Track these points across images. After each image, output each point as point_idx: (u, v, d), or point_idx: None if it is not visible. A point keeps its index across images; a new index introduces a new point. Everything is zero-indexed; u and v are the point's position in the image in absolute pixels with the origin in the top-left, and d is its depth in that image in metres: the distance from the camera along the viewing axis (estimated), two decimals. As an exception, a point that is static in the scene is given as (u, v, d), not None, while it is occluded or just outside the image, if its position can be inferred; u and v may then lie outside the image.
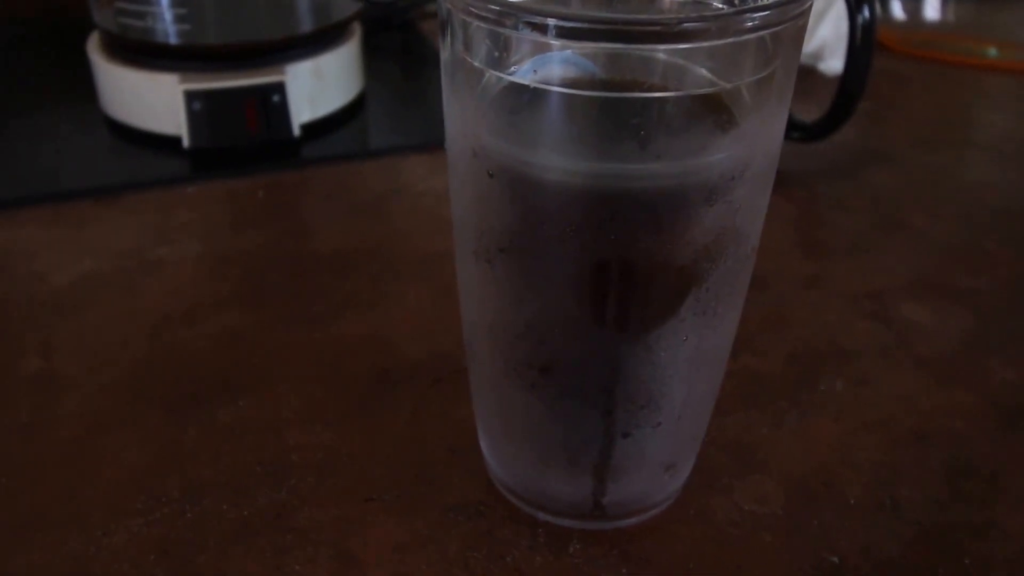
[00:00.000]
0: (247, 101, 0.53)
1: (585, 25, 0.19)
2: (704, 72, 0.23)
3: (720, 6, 0.24)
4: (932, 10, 0.82)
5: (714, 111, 0.21)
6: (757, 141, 0.22)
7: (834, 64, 0.68)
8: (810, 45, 0.68)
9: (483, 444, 0.31)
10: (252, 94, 0.53)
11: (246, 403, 0.35)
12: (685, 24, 0.19)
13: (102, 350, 0.38)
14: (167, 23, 0.52)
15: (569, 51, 0.24)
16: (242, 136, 0.54)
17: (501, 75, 0.22)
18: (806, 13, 0.21)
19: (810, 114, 0.52)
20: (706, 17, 0.19)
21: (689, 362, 0.25)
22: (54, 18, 0.78)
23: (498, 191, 0.22)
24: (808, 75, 0.68)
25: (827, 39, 0.68)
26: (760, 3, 0.21)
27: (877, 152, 0.57)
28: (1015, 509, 0.30)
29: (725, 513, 0.30)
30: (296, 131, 0.56)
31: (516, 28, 0.20)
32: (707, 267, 0.23)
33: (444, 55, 0.23)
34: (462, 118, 0.23)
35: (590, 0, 0.26)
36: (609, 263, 0.22)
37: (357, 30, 0.62)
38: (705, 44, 0.20)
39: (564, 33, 0.20)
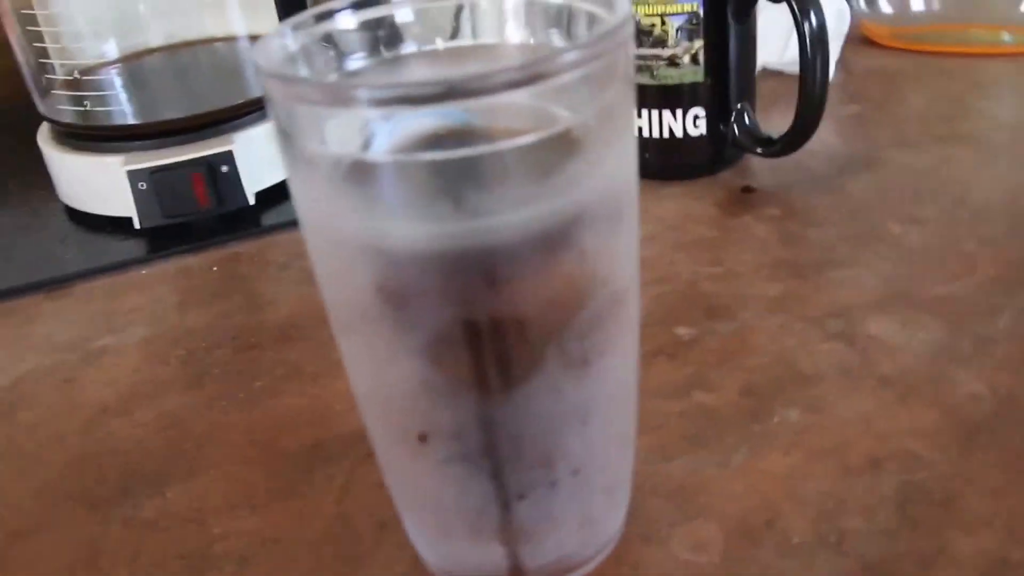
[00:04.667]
0: (193, 175, 0.55)
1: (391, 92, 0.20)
2: (562, 111, 0.24)
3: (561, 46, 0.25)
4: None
5: (540, 158, 0.22)
6: (592, 185, 0.22)
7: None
8: (788, 53, 0.69)
9: (402, 518, 0.32)
10: (197, 167, 0.55)
11: (173, 494, 0.36)
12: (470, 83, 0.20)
13: (35, 451, 0.40)
14: (106, 106, 0.55)
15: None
16: (193, 210, 0.56)
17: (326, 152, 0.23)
18: (618, 49, 0.22)
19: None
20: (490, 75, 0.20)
21: (573, 415, 0.25)
22: (9, 107, 0.81)
23: (346, 261, 0.23)
24: (791, 84, 0.68)
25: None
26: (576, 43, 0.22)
27: (859, 158, 0.57)
28: (968, 533, 0.30)
29: (658, 566, 0.30)
30: (251, 199, 0.58)
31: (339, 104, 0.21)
32: (562, 318, 0.23)
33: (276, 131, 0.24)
34: (304, 192, 0.24)
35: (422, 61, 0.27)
36: (455, 325, 0.23)
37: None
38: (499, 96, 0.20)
39: (376, 103, 0.21)
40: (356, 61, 0.26)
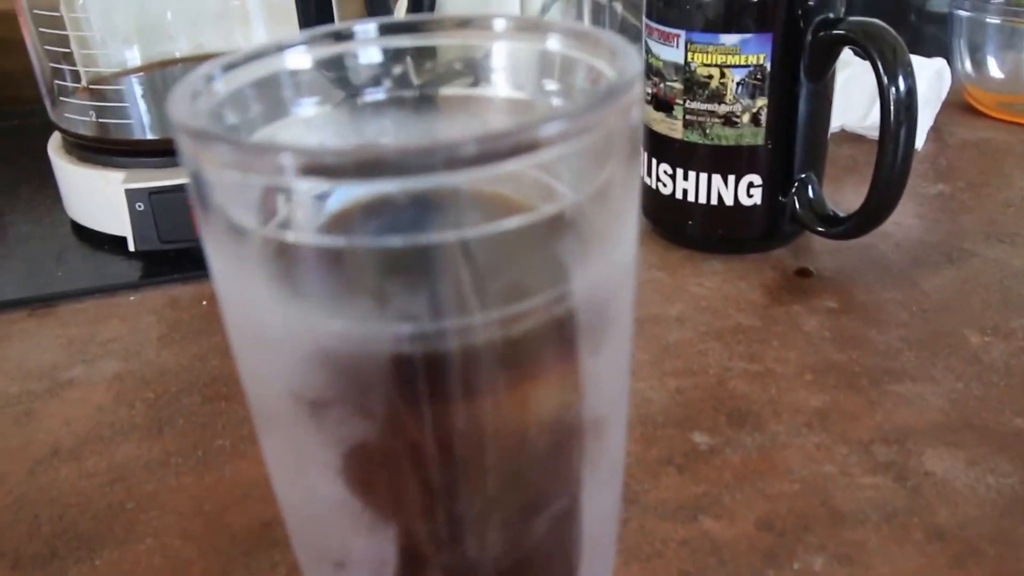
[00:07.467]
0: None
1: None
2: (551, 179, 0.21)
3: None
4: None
5: (506, 250, 0.18)
6: (572, 287, 0.19)
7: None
8: (871, 116, 0.64)
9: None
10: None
11: (102, 562, 0.33)
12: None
13: (-30, 491, 0.37)
14: (116, 118, 0.53)
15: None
16: (190, 238, 0.54)
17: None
18: (618, 115, 0.18)
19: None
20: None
21: (523, 569, 0.21)
22: (32, 110, 0.80)
23: (261, 352, 0.20)
24: (871, 151, 0.63)
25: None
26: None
27: (940, 248, 0.52)
28: None
29: None
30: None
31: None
32: (510, 447, 0.19)
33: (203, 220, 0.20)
34: (219, 264, 0.21)
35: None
36: (377, 444, 0.19)
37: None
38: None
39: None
40: (307, 108, 0.23)
